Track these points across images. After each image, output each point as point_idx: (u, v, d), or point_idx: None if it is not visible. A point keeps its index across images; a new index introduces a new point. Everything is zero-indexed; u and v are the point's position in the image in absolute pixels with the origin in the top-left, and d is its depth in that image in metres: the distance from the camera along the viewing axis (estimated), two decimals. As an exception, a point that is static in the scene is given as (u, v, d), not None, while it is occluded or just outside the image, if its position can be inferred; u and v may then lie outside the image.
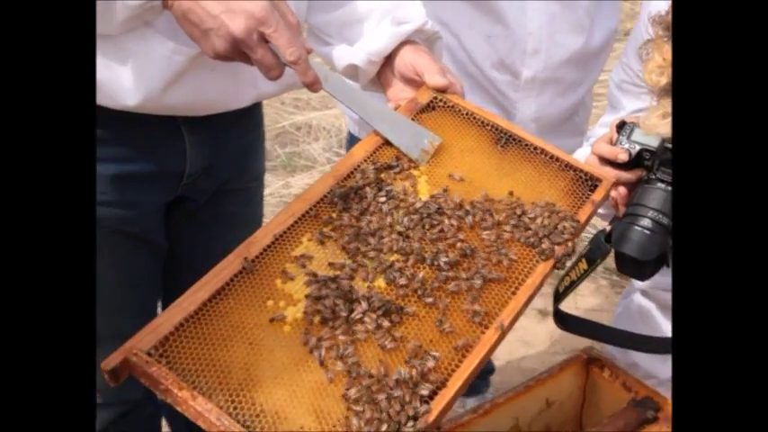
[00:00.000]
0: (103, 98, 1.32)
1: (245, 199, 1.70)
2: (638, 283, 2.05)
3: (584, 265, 1.30)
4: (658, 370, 1.89)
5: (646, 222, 1.23)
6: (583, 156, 1.46)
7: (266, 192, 2.26)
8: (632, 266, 1.27)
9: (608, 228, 1.30)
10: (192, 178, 1.53)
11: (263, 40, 1.14)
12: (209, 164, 1.54)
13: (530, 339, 2.99)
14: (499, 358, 2.87)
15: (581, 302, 3.13)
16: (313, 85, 1.22)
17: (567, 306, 3.14)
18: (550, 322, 2.97)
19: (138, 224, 1.50)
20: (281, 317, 1.08)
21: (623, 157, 1.30)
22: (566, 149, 1.36)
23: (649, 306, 2.02)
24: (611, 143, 1.34)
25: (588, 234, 3.17)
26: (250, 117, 1.63)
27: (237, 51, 1.15)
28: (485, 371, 2.64)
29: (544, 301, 3.13)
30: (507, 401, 1.50)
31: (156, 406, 1.78)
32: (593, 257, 1.28)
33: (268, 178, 3.52)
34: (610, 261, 2.28)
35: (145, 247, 1.54)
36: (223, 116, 1.48)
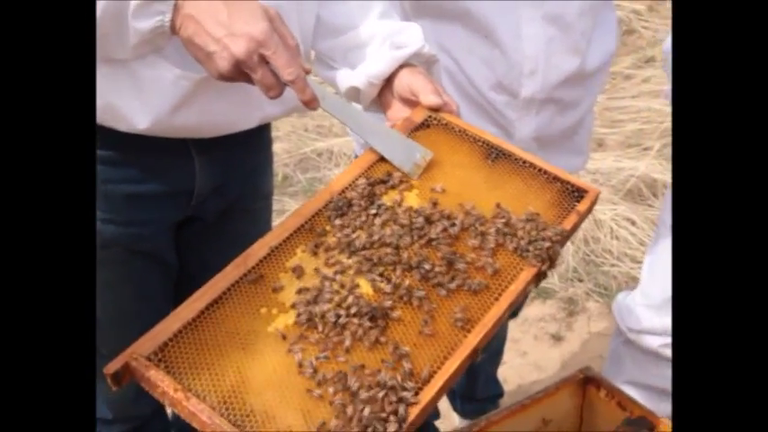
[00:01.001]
0: (116, 122, 1.40)
1: (254, 218, 1.75)
2: (623, 329, 2.05)
3: None
4: (658, 408, 1.90)
5: None
6: None
7: (286, 215, 2.32)
8: None
9: None
10: (201, 198, 1.59)
11: (264, 61, 1.21)
12: (219, 184, 1.60)
13: (543, 364, 2.99)
14: (510, 382, 2.86)
15: (593, 326, 3.13)
16: (310, 103, 1.28)
17: (580, 329, 3.14)
18: (564, 346, 3.02)
19: (149, 243, 1.57)
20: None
21: None
22: (567, 169, 1.39)
23: (637, 351, 2.02)
24: None
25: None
26: (258, 138, 1.69)
27: (240, 72, 1.21)
28: (494, 395, 2.64)
29: (557, 325, 3.13)
30: (502, 420, 1.52)
31: (165, 422, 1.83)
32: None
33: (288, 202, 3.59)
34: (625, 286, 2.27)
35: (156, 264, 1.61)
36: (232, 137, 1.54)
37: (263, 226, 1.82)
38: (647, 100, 4.22)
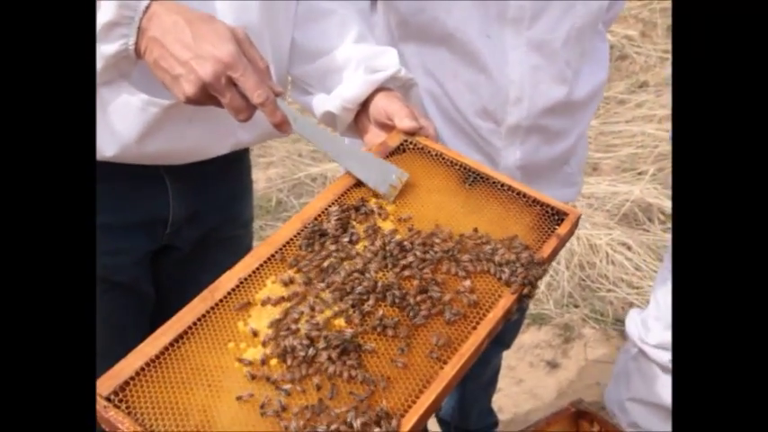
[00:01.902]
0: None
1: (233, 247, 1.71)
2: (636, 342, 2.02)
3: None
4: (659, 429, 1.85)
5: None
6: None
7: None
8: None
9: None
10: (176, 227, 1.55)
11: (232, 83, 1.18)
12: (194, 212, 1.56)
13: (538, 392, 2.93)
14: (505, 411, 2.80)
15: (590, 352, 3.07)
16: (281, 126, 1.25)
17: (576, 356, 3.09)
18: (560, 374, 2.97)
19: (123, 273, 1.52)
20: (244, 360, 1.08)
21: None
22: (559, 200, 1.34)
23: (647, 366, 1.98)
24: None
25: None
26: (236, 165, 1.66)
27: (207, 95, 1.18)
28: (489, 425, 2.58)
29: (553, 352, 3.08)
30: (492, 457, 1.47)
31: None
32: None
33: (282, 229, 3.54)
34: (622, 312, 2.24)
35: (130, 295, 1.56)
36: (207, 164, 1.50)
37: (242, 254, 1.76)
38: (640, 124, 4.21)
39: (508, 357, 2.92)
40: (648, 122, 4.21)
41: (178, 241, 1.58)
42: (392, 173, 1.32)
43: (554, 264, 3.34)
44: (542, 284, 3.25)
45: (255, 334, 1.11)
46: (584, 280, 3.34)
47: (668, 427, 1.79)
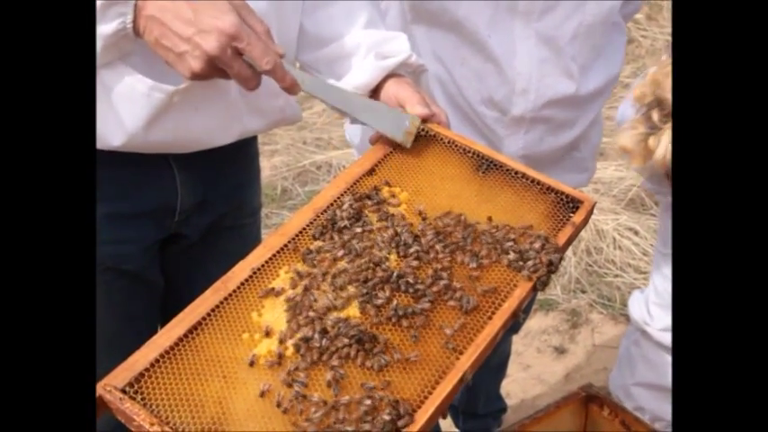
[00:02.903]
0: None
1: (241, 236, 1.70)
2: (640, 324, 2.01)
3: None
4: (665, 412, 1.84)
5: None
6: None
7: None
8: None
9: None
10: (184, 215, 1.54)
11: (238, 53, 1.16)
12: (202, 200, 1.55)
13: (546, 377, 2.93)
14: (513, 397, 2.80)
15: (597, 338, 3.07)
16: (292, 89, 1.25)
17: (584, 341, 3.08)
18: (567, 359, 2.96)
19: (132, 262, 1.51)
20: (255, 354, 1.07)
21: None
22: (569, 185, 1.32)
23: (652, 350, 1.98)
24: None
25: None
26: (244, 154, 1.64)
27: (214, 68, 1.17)
28: (496, 411, 2.58)
29: (561, 337, 3.07)
30: (500, 441, 1.46)
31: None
32: None
33: (287, 216, 3.53)
34: (629, 297, 2.24)
35: (140, 284, 1.55)
36: (215, 153, 1.49)
37: (251, 242, 1.75)
38: (646, 108, 4.16)
39: (516, 343, 2.91)
40: (654, 107, 4.17)
41: (186, 229, 1.57)
42: (405, 119, 1.33)
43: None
44: (550, 270, 3.24)
45: (268, 333, 1.10)
46: (591, 265, 3.33)
47: None
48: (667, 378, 1.94)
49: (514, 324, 2.32)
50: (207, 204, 1.57)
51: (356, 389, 1.03)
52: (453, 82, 1.72)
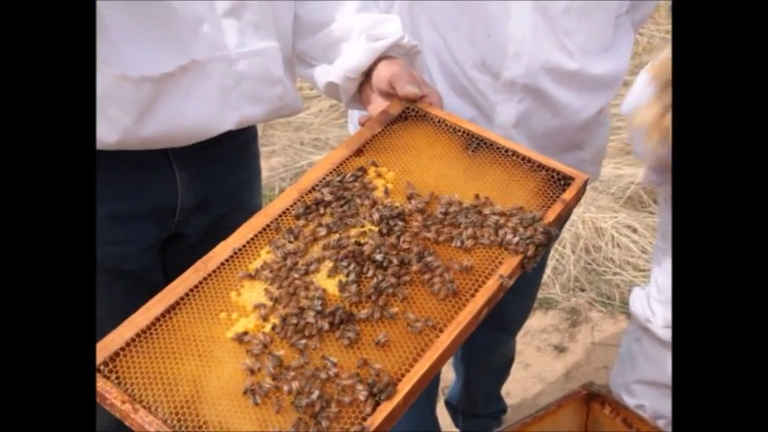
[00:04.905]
0: None
1: None
2: (641, 321, 1.99)
3: None
4: (667, 410, 1.81)
5: None
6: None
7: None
8: None
9: None
10: (185, 214, 1.51)
11: None
12: (202, 199, 1.52)
13: (546, 376, 2.89)
14: (513, 396, 2.76)
15: (597, 336, 3.03)
16: None
17: (583, 339, 3.04)
18: (567, 358, 2.92)
19: (132, 262, 1.48)
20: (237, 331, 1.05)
21: None
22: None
23: (653, 347, 1.95)
24: None
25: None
26: (244, 152, 1.61)
27: None
28: (497, 411, 2.55)
29: (560, 336, 3.03)
30: (503, 439, 1.43)
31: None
32: None
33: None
34: (628, 295, 2.21)
35: (141, 285, 1.50)
36: (215, 151, 1.46)
37: None
38: (645, 106, 4.13)
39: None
40: (653, 104, 4.14)
41: (187, 229, 1.54)
42: None
43: (559, 248, 3.30)
44: (548, 269, 3.21)
45: (247, 304, 1.07)
46: (589, 263, 3.29)
47: None
48: (669, 375, 1.91)
49: (512, 328, 2.31)
50: (207, 204, 1.54)
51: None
52: (447, 49, 1.70)
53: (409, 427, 1.99)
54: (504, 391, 2.59)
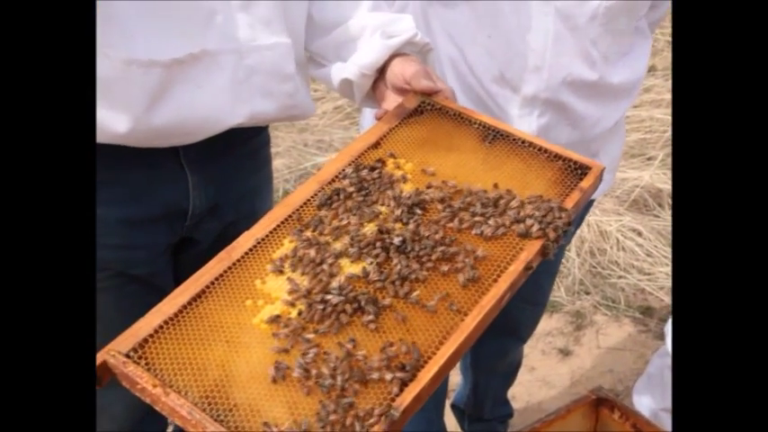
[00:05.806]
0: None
1: None
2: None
3: None
4: None
5: None
6: None
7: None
8: None
9: None
10: (196, 219, 1.51)
11: None
12: (214, 204, 1.53)
13: (552, 380, 2.89)
14: (518, 399, 2.77)
15: (603, 341, 3.04)
16: None
17: (588, 343, 3.04)
18: (572, 361, 2.93)
19: (143, 267, 1.48)
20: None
21: None
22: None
23: None
24: None
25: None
26: (256, 156, 1.62)
27: None
28: (503, 415, 2.55)
29: (566, 339, 3.04)
30: (512, 444, 1.44)
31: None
32: None
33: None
34: (633, 298, 2.21)
35: (151, 289, 1.50)
36: (227, 155, 1.48)
37: None
38: (649, 109, 4.16)
39: (520, 346, 2.89)
40: (657, 107, 4.16)
41: (198, 234, 1.54)
42: None
43: (565, 251, 3.31)
44: (553, 272, 3.22)
45: (272, 292, 1.09)
46: (594, 267, 3.31)
47: None
48: None
49: (522, 334, 2.31)
50: (218, 209, 1.54)
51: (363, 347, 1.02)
52: (465, 61, 1.69)
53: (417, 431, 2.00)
54: (509, 394, 2.59)
